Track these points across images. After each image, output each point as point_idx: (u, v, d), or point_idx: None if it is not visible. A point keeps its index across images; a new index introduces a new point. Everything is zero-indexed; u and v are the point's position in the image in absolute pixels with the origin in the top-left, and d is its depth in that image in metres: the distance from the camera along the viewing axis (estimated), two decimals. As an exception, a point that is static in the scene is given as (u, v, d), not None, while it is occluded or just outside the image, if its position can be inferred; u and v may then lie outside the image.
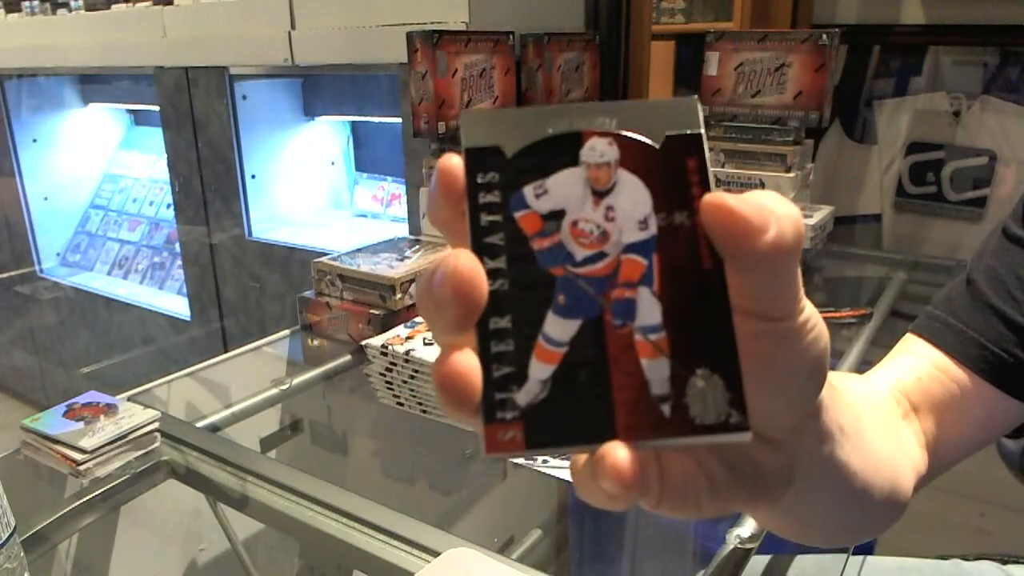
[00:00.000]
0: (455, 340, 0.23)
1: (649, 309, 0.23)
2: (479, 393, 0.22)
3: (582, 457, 0.24)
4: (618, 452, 0.22)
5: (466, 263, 0.22)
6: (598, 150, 0.24)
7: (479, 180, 0.23)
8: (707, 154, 0.24)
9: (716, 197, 0.23)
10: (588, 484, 0.23)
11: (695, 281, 0.23)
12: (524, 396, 0.22)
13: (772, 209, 0.22)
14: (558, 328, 0.23)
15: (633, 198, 0.23)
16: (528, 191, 0.24)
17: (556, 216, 0.23)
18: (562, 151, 0.24)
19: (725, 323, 0.23)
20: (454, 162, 0.23)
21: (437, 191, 0.24)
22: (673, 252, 0.23)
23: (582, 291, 0.23)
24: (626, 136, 0.24)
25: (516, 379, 0.23)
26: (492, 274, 0.23)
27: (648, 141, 0.24)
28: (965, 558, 0.77)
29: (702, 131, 0.24)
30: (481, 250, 0.23)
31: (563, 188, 0.24)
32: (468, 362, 0.22)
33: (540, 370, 0.23)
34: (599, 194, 0.24)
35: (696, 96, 0.25)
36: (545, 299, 0.23)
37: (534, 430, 0.22)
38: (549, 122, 0.24)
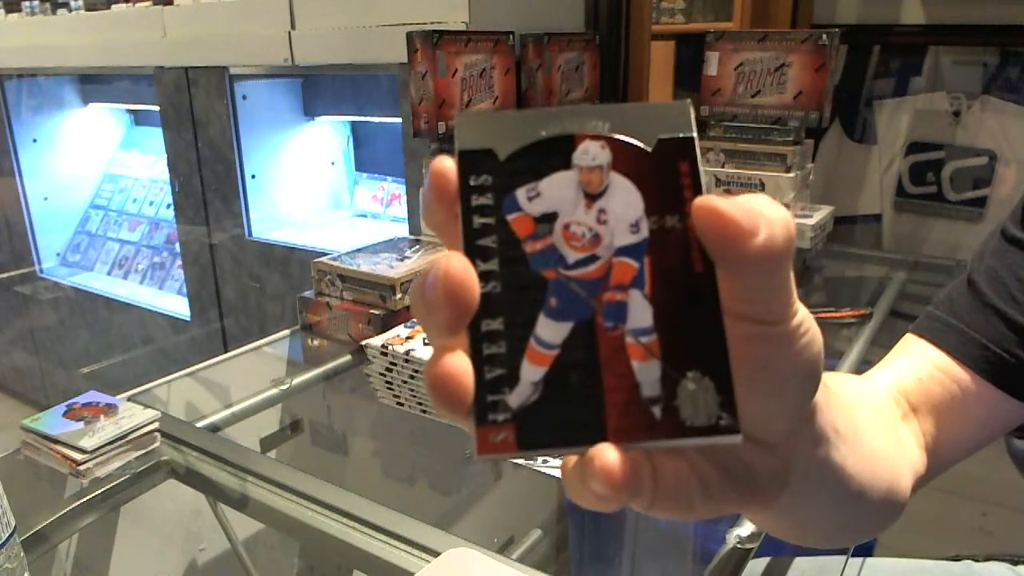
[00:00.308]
0: (448, 342, 0.23)
1: (640, 312, 0.23)
2: (471, 394, 0.22)
3: (572, 458, 0.24)
4: (607, 454, 0.22)
5: (457, 265, 0.22)
6: (590, 153, 0.24)
7: (472, 183, 0.24)
8: (699, 157, 0.24)
9: (707, 200, 0.23)
10: (577, 485, 0.23)
11: (686, 284, 0.23)
12: (516, 398, 0.23)
13: (762, 212, 0.22)
14: (550, 330, 0.23)
15: (625, 201, 0.24)
16: (521, 194, 0.24)
17: (548, 219, 0.24)
18: (555, 154, 0.24)
19: (716, 326, 0.23)
20: (446, 164, 0.24)
21: (430, 194, 0.24)
22: (665, 255, 0.23)
23: (574, 294, 0.23)
24: (618, 139, 0.24)
25: (508, 381, 0.23)
26: (484, 276, 0.23)
27: (640, 144, 0.24)
28: (975, 559, 0.77)
29: (694, 135, 0.24)
30: (473, 252, 0.23)
31: (555, 191, 0.24)
32: (460, 364, 0.22)
33: (532, 372, 0.23)
34: (591, 197, 0.24)
35: (688, 100, 0.25)
36: (537, 301, 0.23)
37: (525, 432, 0.22)
38: (542, 125, 0.24)
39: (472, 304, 0.22)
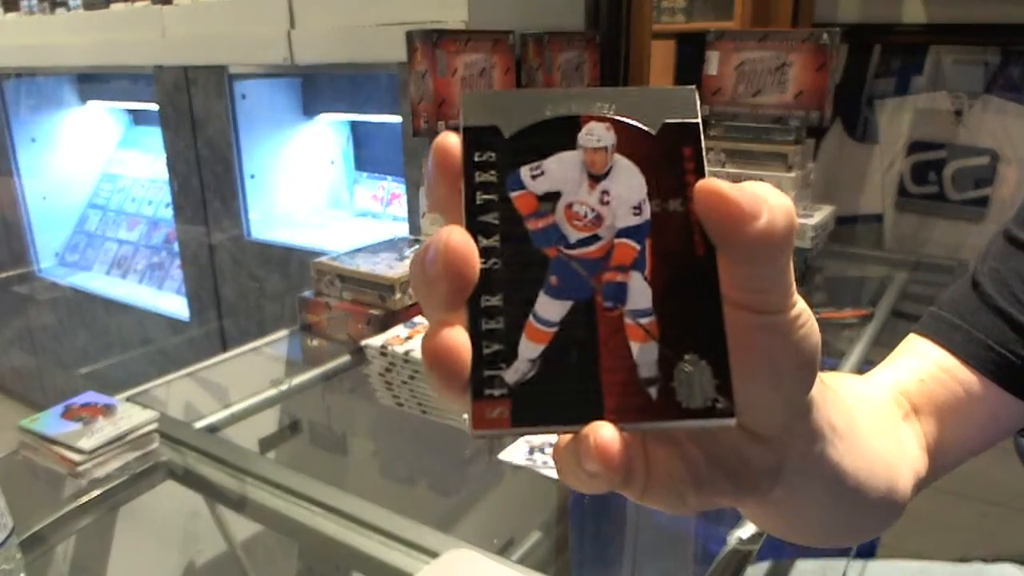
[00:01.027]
0: (446, 317, 0.23)
1: (640, 293, 0.23)
2: (468, 369, 0.22)
3: (565, 438, 0.24)
4: (603, 431, 0.22)
5: (458, 239, 0.22)
6: (595, 134, 0.24)
7: (476, 159, 0.24)
8: (703, 143, 0.24)
9: (709, 183, 0.23)
10: (570, 465, 0.23)
11: (686, 268, 0.23)
12: (512, 374, 0.23)
13: (765, 198, 0.22)
14: (549, 308, 0.23)
15: (628, 183, 0.24)
16: (524, 172, 0.24)
17: (551, 198, 0.24)
18: (560, 134, 0.24)
19: (715, 310, 0.23)
20: (450, 140, 0.24)
21: (433, 169, 0.24)
22: (666, 238, 0.23)
23: (574, 273, 0.23)
24: (623, 122, 0.24)
25: (505, 357, 0.23)
26: (485, 252, 0.23)
27: (645, 128, 0.24)
28: (984, 560, 0.76)
29: (699, 120, 0.24)
30: (475, 228, 0.23)
31: (559, 170, 0.24)
32: (458, 338, 0.22)
33: (529, 349, 0.23)
34: (595, 178, 0.24)
35: (694, 85, 0.25)
36: (537, 279, 0.23)
37: (521, 408, 0.22)
38: (548, 105, 0.24)
39: (472, 278, 0.22)
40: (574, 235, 0.24)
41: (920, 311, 0.50)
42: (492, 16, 1.35)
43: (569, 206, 0.24)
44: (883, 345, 1.03)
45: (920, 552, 0.78)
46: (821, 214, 1.27)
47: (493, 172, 0.24)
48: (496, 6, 1.37)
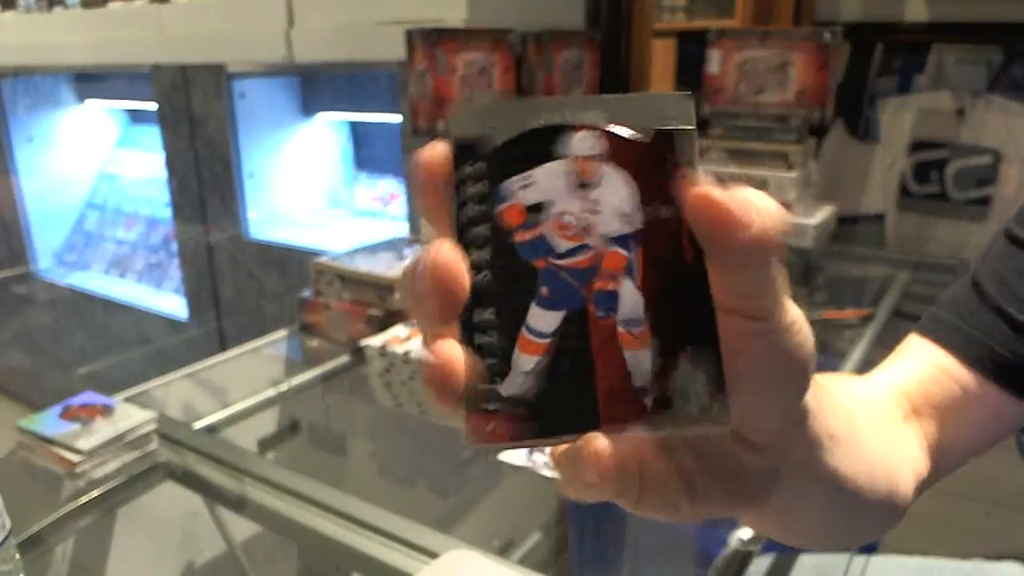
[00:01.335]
0: (439, 331, 0.23)
1: (632, 301, 0.23)
2: (462, 383, 0.22)
3: (561, 447, 0.24)
4: (597, 441, 0.22)
5: (446, 254, 0.22)
6: (586, 143, 0.24)
7: (465, 170, 0.23)
8: (697, 149, 0.24)
9: (700, 190, 0.23)
10: (567, 474, 0.23)
11: (678, 275, 0.23)
12: (508, 387, 0.23)
13: (756, 204, 0.22)
14: (542, 320, 0.23)
15: (619, 192, 0.24)
16: (514, 182, 0.23)
17: (541, 208, 0.24)
18: (550, 143, 0.24)
19: (707, 317, 0.23)
20: (438, 150, 0.23)
21: (419, 181, 0.23)
22: (657, 246, 0.23)
23: (565, 283, 0.23)
24: (615, 130, 0.24)
25: (500, 370, 0.23)
26: (476, 265, 0.23)
27: (637, 136, 0.24)
28: (987, 558, 0.76)
29: (693, 127, 0.24)
30: (464, 241, 0.23)
31: (549, 180, 0.24)
32: (451, 352, 0.22)
33: (524, 361, 0.23)
34: (586, 187, 0.24)
35: (689, 92, 0.25)
36: (528, 291, 0.23)
37: (517, 421, 0.22)
38: (537, 114, 0.24)
39: (461, 295, 0.22)
40: (563, 245, 0.23)
41: (922, 311, 0.50)
42: (492, 15, 1.34)
43: (559, 216, 0.23)
44: (884, 345, 1.03)
45: (923, 552, 0.78)
46: (822, 214, 1.27)
47: (482, 183, 0.23)
48: (496, 5, 1.36)
